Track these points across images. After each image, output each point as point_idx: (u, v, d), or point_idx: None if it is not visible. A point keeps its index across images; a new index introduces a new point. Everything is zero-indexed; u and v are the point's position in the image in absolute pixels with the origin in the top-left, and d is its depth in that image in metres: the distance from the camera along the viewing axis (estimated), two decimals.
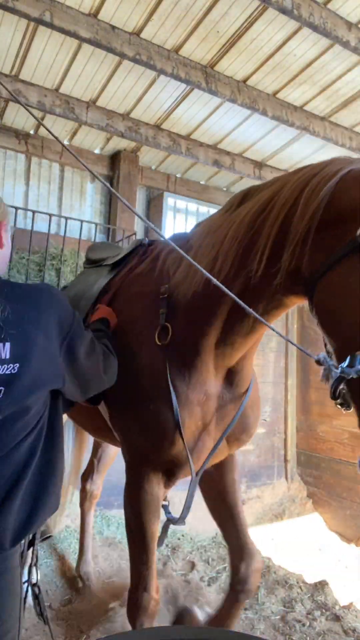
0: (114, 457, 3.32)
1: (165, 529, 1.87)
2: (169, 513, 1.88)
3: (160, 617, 2.61)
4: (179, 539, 4.07)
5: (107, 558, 3.54)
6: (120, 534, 4.00)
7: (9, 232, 1.37)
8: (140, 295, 1.92)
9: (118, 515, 4.28)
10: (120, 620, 2.63)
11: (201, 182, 5.42)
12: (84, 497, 3.25)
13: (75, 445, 3.28)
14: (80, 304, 2.20)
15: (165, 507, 1.89)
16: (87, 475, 3.29)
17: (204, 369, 1.68)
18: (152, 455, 1.75)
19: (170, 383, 1.66)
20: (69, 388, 1.37)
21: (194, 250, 1.69)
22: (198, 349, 1.66)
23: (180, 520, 1.84)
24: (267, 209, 1.45)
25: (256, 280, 1.45)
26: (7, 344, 1.15)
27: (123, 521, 4.46)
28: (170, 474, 1.79)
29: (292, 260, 1.33)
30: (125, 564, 3.57)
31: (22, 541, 1.26)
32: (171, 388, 1.65)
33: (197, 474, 1.75)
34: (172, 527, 1.83)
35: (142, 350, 1.76)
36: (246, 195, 1.64)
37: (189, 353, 1.67)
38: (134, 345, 1.79)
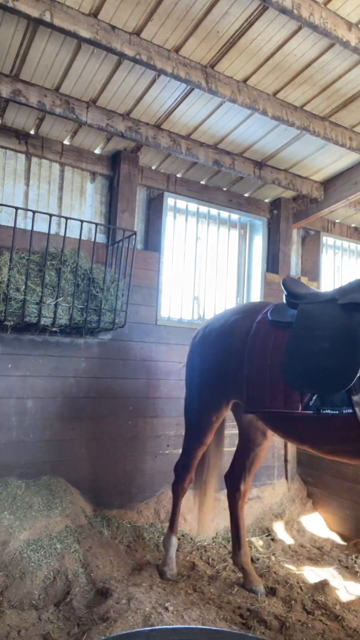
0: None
1: None
2: None
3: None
4: (179, 539, 4.07)
5: (107, 558, 3.53)
6: (120, 534, 4.00)
7: None
8: None
9: (118, 515, 4.28)
10: (120, 620, 2.63)
11: (201, 182, 5.42)
12: (239, 497, 3.62)
13: (218, 446, 3.81)
14: (351, 342, 2.57)
15: None
16: (238, 477, 3.63)
17: None
18: None
19: None
20: None
21: None
22: None
23: None
24: None
25: None
26: None
27: (123, 521, 4.49)
28: None
29: None
30: (123, 565, 3.57)
31: None
32: None
33: None
34: None
35: None
36: None
37: None
38: None
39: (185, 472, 3.63)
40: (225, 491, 3.72)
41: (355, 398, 2.48)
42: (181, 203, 5.24)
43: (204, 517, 3.85)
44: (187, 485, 3.66)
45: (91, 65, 3.64)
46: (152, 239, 5.06)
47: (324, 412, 2.58)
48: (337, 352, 2.61)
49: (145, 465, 4.65)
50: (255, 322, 3.12)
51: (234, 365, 3.13)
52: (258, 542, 4.33)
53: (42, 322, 3.80)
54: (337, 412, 2.54)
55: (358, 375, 2.46)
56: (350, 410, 2.50)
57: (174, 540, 3.64)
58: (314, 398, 2.62)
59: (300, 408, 2.66)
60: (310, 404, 2.62)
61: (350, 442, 2.61)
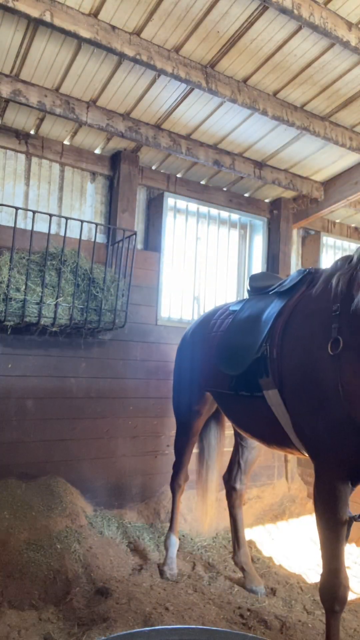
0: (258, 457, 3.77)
1: (349, 525, 2.20)
2: (350, 513, 2.21)
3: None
4: (179, 539, 4.07)
5: (107, 558, 3.53)
6: (120, 534, 3.99)
7: None
8: (314, 314, 2.34)
9: (118, 515, 4.28)
10: (120, 620, 2.62)
11: (201, 182, 5.42)
12: (236, 497, 3.64)
13: (218, 446, 3.82)
14: (256, 326, 2.71)
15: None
16: (234, 476, 3.66)
17: None
18: (339, 452, 2.20)
19: (340, 384, 2.07)
20: None
21: None
22: None
23: None
24: None
25: None
26: None
27: (123, 521, 4.46)
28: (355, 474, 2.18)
29: None
30: (124, 565, 3.56)
31: None
32: (340, 389, 2.07)
33: None
34: None
35: (318, 359, 2.19)
36: None
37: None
38: (313, 355, 2.23)
39: (177, 467, 3.70)
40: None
41: (262, 381, 2.56)
42: (181, 203, 5.24)
43: (205, 518, 3.85)
44: (182, 482, 3.70)
45: (91, 65, 3.64)
46: (152, 239, 5.06)
47: (240, 393, 2.75)
48: (244, 337, 2.80)
49: (145, 465, 4.64)
50: (224, 314, 3.35)
51: (207, 354, 3.31)
52: (258, 542, 4.32)
53: (42, 322, 3.80)
54: (249, 394, 2.67)
55: (257, 357, 2.58)
56: (260, 393, 2.60)
57: (175, 540, 3.65)
58: (233, 380, 2.80)
59: (227, 388, 2.88)
60: (231, 385, 2.83)
61: (266, 426, 2.68)
